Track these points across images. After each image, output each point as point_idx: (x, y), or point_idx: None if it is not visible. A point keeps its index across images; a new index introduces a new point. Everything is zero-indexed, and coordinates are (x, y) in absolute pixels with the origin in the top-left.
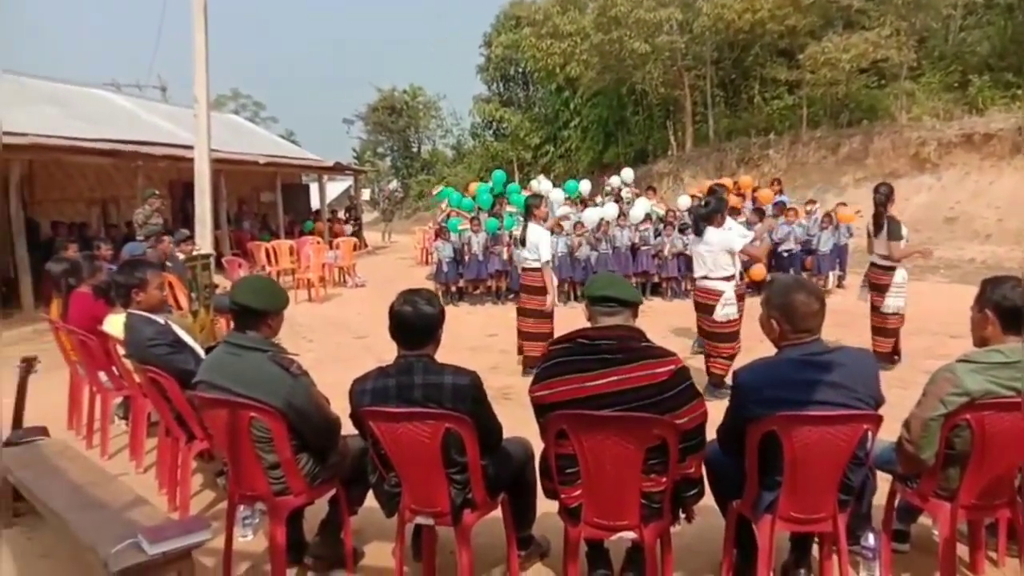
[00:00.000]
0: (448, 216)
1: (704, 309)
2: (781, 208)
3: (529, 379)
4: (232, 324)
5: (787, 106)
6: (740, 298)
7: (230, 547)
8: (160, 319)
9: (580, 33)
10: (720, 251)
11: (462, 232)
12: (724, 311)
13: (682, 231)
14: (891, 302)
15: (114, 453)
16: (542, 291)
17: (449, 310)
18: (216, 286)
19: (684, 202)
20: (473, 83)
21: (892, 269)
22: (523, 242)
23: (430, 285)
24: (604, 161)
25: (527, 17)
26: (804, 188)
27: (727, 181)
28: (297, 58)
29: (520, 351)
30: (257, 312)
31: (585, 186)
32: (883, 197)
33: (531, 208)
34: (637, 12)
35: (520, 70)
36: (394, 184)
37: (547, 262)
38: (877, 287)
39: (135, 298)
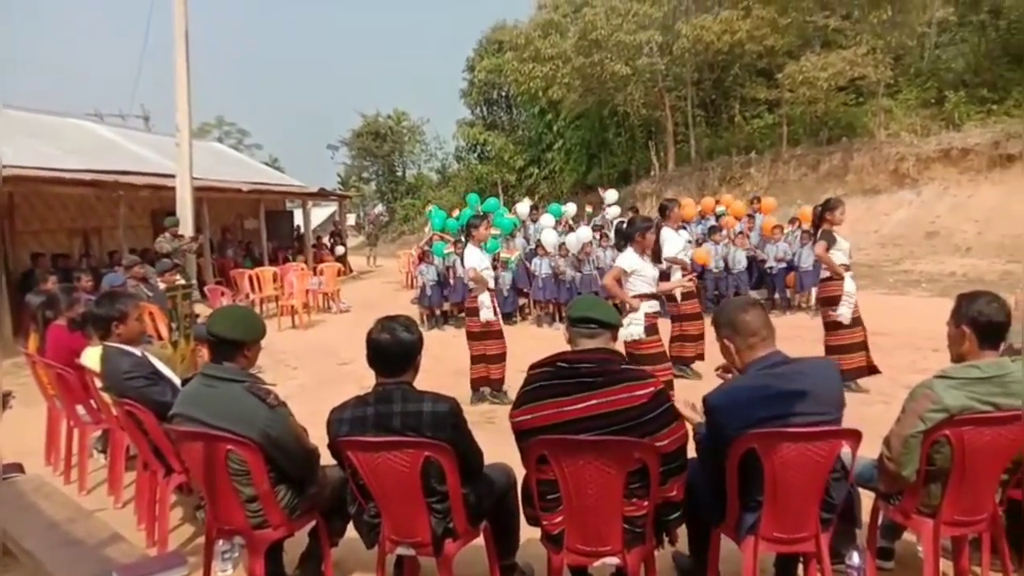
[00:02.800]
0: (431, 240)
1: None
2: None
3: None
4: (209, 355)
5: (767, 125)
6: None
7: None
8: (137, 351)
9: (561, 56)
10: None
11: (447, 256)
12: (626, 330)
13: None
14: (841, 311)
15: (92, 488)
16: (474, 312)
17: (434, 334)
18: (197, 315)
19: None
20: (457, 107)
21: (836, 279)
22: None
23: (414, 309)
24: (588, 182)
25: (509, 41)
26: (786, 205)
27: (708, 200)
28: (282, 85)
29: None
30: (233, 342)
31: (570, 208)
32: (819, 210)
33: (471, 229)
34: (617, 35)
35: (503, 94)
36: (379, 208)
37: (480, 282)
38: (823, 301)
39: (115, 330)
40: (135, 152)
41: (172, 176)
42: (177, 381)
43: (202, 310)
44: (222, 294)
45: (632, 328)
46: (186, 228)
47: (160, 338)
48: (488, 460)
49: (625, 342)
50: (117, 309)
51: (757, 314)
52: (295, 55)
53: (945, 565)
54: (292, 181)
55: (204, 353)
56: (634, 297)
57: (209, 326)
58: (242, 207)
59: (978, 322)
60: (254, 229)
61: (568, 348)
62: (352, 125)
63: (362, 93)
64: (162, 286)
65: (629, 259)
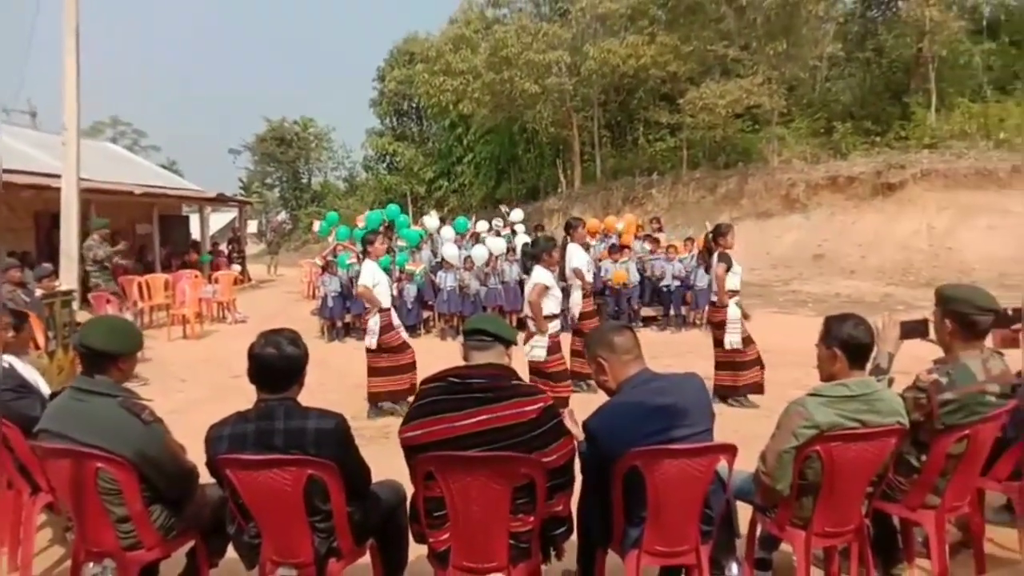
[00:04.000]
0: (335, 251)
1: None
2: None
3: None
4: (81, 368)
5: (669, 148)
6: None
7: None
8: (4, 362)
9: (472, 71)
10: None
11: (350, 267)
12: (532, 352)
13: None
14: (729, 339)
15: None
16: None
17: (334, 346)
18: (78, 324)
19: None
20: (365, 117)
21: (723, 306)
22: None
23: (315, 320)
24: (497, 197)
25: (420, 53)
26: (685, 227)
27: (611, 219)
28: (183, 87)
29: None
30: (106, 355)
31: (482, 226)
32: (711, 235)
33: (366, 245)
34: (527, 54)
35: (413, 105)
36: (282, 216)
37: (370, 301)
38: (712, 324)
39: None
40: (18, 149)
41: (58, 176)
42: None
43: (86, 318)
44: (108, 301)
45: (536, 351)
46: (70, 233)
47: (36, 347)
48: (383, 475)
49: (529, 362)
50: None
51: (628, 336)
52: (197, 56)
53: (817, 574)
54: (190, 185)
55: None
56: (544, 318)
57: (81, 337)
58: (135, 211)
59: (849, 344)
60: (147, 234)
61: (462, 363)
62: (256, 130)
63: (267, 98)
64: (39, 292)
65: (545, 275)
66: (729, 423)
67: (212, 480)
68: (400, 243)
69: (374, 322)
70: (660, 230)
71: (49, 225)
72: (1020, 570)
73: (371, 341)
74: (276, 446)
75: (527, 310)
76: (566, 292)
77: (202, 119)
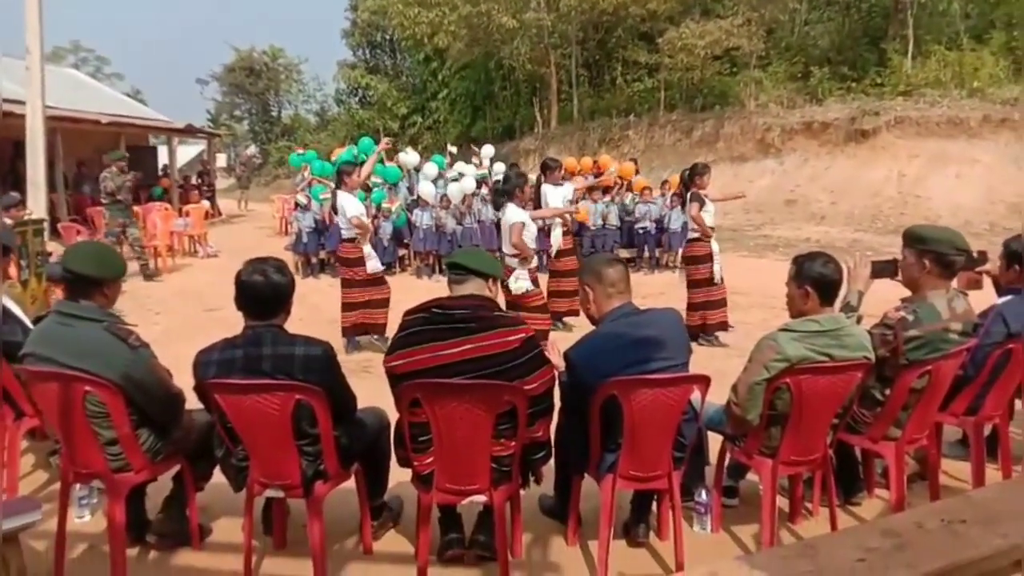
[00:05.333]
0: (310, 184)
1: (503, 285)
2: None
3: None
4: (64, 293)
5: (646, 89)
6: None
7: (63, 528)
8: None
9: (448, 3)
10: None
11: (323, 201)
12: (516, 284)
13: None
14: (716, 270)
15: None
16: (359, 262)
17: (309, 282)
18: (50, 253)
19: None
20: (337, 48)
21: (703, 240)
22: (335, 210)
23: (289, 256)
24: (472, 135)
25: None
26: (660, 169)
27: (587, 160)
28: (146, 12)
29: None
30: (91, 280)
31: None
32: (687, 174)
33: (342, 175)
34: None
35: (387, 37)
36: (252, 150)
37: (364, 229)
38: (686, 261)
39: None
40: None
41: (21, 103)
42: (28, 321)
43: (55, 248)
44: (77, 232)
45: (521, 283)
46: (36, 162)
47: (8, 277)
48: (362, 406)
49: (516, 295)
50: None
51: (619, 269)
52: None
53: (782, 502)
54: (157, 115)
55: (58, 293)
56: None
57: (65, 262)
58: (101, 141)
59: (819, 282)
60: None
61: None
62: (224, 60)
63: (235, 26)
64: (9, 222)
65: (519, 213)
66: (699, 360)
67: (198, 406)
68: (376, 180)
69: (369, 249)
70: (636, 172)
71: (12, 154)
72: (968, 497)
73: (374, 265)
74: (264, 371)
75: (507, 249)
76: (547, 231)
77: (166, 46)
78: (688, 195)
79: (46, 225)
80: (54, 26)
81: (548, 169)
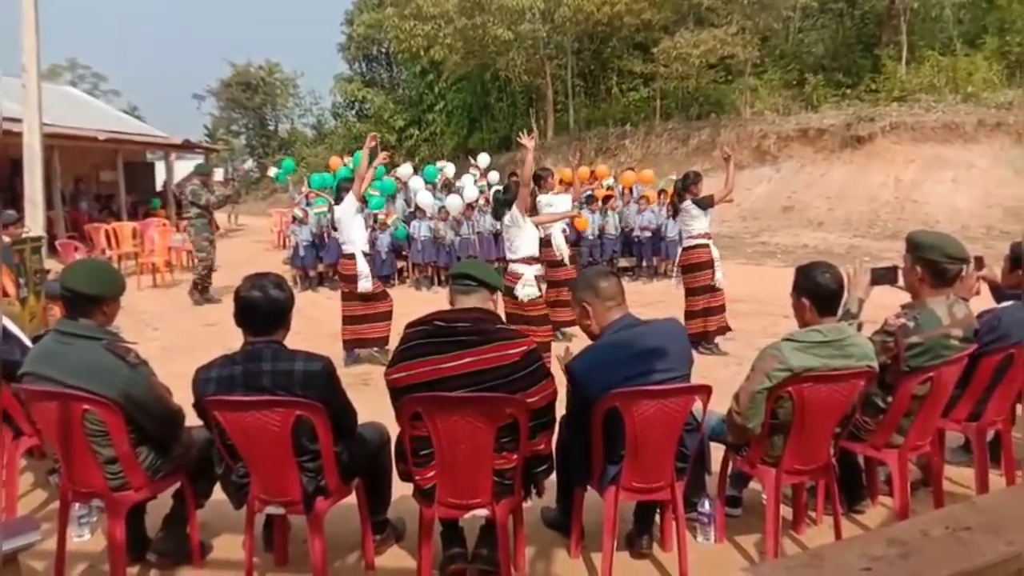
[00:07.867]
0: (307, 198)
1: (509, 293)
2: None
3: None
4: (63, 311)
5: (642, 98)
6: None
7: (63, 547)
8: None
9: (444, 16)
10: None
11: (320, 216)
12: (524, 291)
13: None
14: (717, 276)
15: None
16: (357, 279)
17: (307, 296)
18: (48, 271)
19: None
20: (334, 63)
21: (701, 247)
22: (334, 227)
23: (287, 270)
24: (469, 146)
25: None
26: (657, 177)
27: (584, 170)
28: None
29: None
30: (90, 298)
31: (449, 170)
32: (679, 184)
33: (342, 191)
34: None
35: (383, 50)
36: (248, 163)
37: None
38: (684, 268)
39: None
40: None
41: (18, 120)
42: (27, 340)
43: (53, 266)
44: (75, 249)
45: (529, 289)
46: (34, 179)
47: (6, 295)
48: (362, 420)
49: (522, 302)
50: None
51: (613, 281)
52: None
53: (785, 511)
54: (154, 131)
55: (56, 311)
56: (522, 260)
57: (64, 280)
58: (98, 157)
59: (815, 293)
60: (111, 181)
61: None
62: (221, 75)
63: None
64: (7, 240)
65: (522, 217)
66: (699, 369)
67: (197, 423)
68: (374, 192)
69: (364, 267)
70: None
71: (10, 171)
72: (973, 504)
73: (365, 285)
74: (264, 387)
75: (512, 255)
76: (547, 241)
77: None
78: (685, 203)
79: (44, 243)
80: (51, 44)
81: (541, 179)
